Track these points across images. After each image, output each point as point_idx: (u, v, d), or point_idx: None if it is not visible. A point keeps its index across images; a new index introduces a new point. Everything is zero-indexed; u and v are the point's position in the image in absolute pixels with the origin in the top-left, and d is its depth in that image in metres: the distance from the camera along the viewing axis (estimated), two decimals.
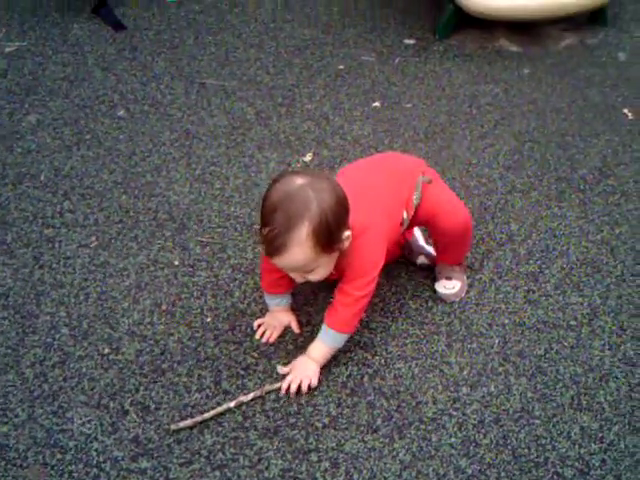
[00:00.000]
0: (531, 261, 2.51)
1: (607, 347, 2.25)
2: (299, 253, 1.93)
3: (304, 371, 2.14)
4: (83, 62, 3.36)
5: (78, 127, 3.02)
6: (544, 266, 2.50)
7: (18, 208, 2.68)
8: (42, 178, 2.79)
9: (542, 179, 2.82)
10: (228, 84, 3.26)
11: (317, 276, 2.05)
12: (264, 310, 2.34)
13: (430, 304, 2.37)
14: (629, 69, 3.39)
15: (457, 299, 2.39)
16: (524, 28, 3.57)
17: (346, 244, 2.03)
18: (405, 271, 2.48)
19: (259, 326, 2.30)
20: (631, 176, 2.83)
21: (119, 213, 2.66)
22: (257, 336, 2.28)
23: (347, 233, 2.01)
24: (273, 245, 1.92)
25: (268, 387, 2.14)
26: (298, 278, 2.07)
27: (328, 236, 1.95)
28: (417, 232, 2.52)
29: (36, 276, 2.44)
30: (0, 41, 3.48)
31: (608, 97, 3.22)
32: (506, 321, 2.32)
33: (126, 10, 3.71)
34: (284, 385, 2.13)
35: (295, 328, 2.30)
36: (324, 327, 2.14)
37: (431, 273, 2.46)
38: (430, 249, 2.48)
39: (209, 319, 2.32)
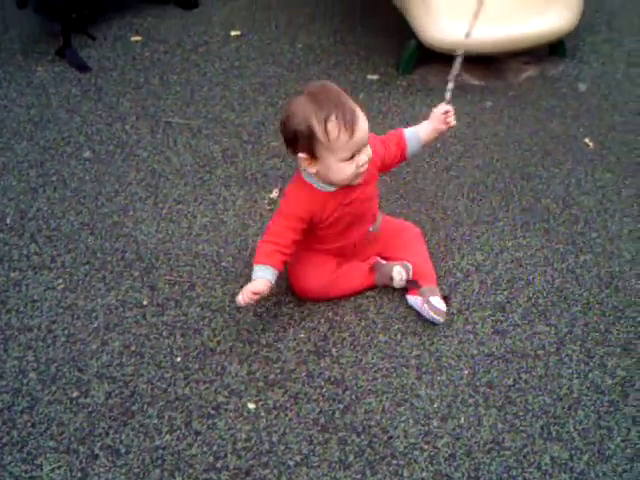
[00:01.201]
0: (498, 291, 2.54)
1: (575, 375, 2.27)
2: (363, 116, 2.20)
3: None
4: (48, 104, 3.36)
5: (44, 169, 3.01)
6: (511, 296, 2.52)
7: None
8: (8, 221, 2.78)
9: (507, 210, 2.85)
10: (194, 123, 3.27)
11: (370, 149, 2.26)
12: (235, 347, 2.34)
13: (399, 337, 2.39)
14: (589, 100, 3.45)
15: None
16: (485, 62, 3.61)
17: None
18: (374, 304, 2.49)
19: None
20: (594, 205, 2.87)
21: (86, 254, 2.66)
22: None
23: None
24: (348, 118, 2.15)
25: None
26: (366, 158, 2.25)
27: None
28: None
29: (3, 320, 2.43)
30: None
31: (569, 127, 3.27)
32: (475, 352, 2.34)
33: (91, 51, 3.72)
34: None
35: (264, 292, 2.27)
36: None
37: (400, 306, 2.47)
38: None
39: (179, 359, 2.32)
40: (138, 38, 3.83)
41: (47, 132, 3.21)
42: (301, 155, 2.23)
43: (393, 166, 2.54)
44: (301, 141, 2.20)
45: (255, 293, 2.25)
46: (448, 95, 2.48)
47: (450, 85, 2.48)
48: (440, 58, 3.55)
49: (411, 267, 2.48)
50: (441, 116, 2.47)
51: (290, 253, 2.34)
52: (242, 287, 2.47)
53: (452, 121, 2.47)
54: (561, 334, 2.40)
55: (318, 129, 2.16)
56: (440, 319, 2.41)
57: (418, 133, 2.49)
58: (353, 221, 2.41)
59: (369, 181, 2.37)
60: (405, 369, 2.29)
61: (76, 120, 3.28)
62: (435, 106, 3.28)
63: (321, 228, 2.38)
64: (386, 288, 2.52)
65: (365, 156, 2.24)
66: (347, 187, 2.31)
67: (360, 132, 2.18)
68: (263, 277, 2.28)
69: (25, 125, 3.24)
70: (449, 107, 2.46)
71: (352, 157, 2.22)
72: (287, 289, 2.52)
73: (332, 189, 2.31)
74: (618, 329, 2.42)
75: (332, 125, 2.15)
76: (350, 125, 2.16)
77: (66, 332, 2.39)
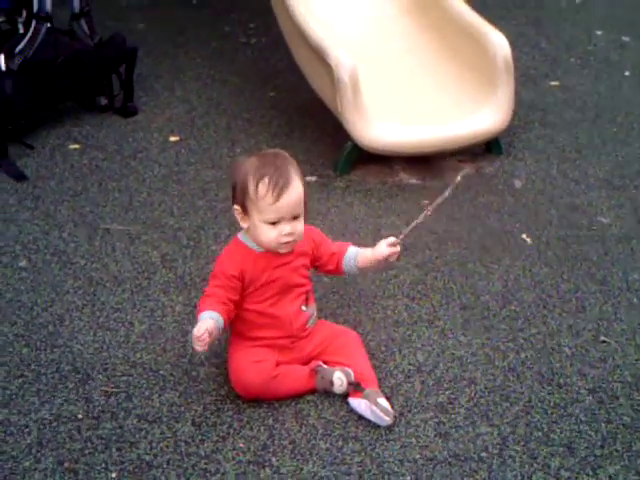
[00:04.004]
0: (440, 391, 2.51)
1: (519, 478, 2.24)
2: (298, 186, 2.34)
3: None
4: None
5: None
6: (453, 396, 2.50)
7: None
8: None
9: (447, 308, 2.85)
10: (132, 229, 3.25)
11: (301, 225, 2.37)
12: (172, 460, 2.27)
13: (340, 443, 2.34)
14: (525, 195, 3.51)
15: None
16: (422, 161, 3.67)
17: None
18: (315, 409, 2.45)
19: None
20: (533, 300, 2.89)
21: (20, 367, 2.59)
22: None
23: None
24: (279, 184, 2.29)
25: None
26: (290, 231, 2.34)
27: (304, 182, 2.40)
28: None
29: None
30: None
31: (506, 224, 3.31)
32: (417, 456, 2.30)
33: (28, 160, 3.71)
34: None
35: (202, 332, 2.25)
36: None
37: (342, 410, 2.44)
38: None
39: (114, 474, 2.24)
40: (76, 146, 3.83)
41: None
42: (235, 207, 2.40)
43: (328, 272, 2.63)
44: (237, 193, 2.37)
45: (201, 336, 2.24)
46: (404, 231, 2.53)
47: (410, 226, 2.54)
48: (378, 159, 3.62)
49: (352, 372, 2.46)
50: (384, 248, 2.51)
51: (229, 309, 2.37)
52: (180, 395, 2.45)
53: (393, 258, 2.52)
54: (504, 434, 2.37)
55: (251, 185, 2.32)
56: (389, 420, 2.38)
57: (357, 255, 2.56)
58: (284, 290, 2.45)
59: (301, 254, 2.47)
60: (347, 477, 2.24)
61: (12, 230, 3.24)
62: (373, 207, 3.34)
63: (252, 292, 2.42)
64: (327, 393, 2.48)
65: (290, 228, 2.34)
66: (277, 252, 2.40)
67: (286, 200, 2.30)
68: (205, 318, 2.30)
69: None
70: (397, 242, 2.51)
71: (276, 223, 2.33)
72: (226, 396, 2.48)
73: (262, 250, 2.40)
74: (561, 427, 2.40)
75: (262, 185, 2.31)
76: (278, 190, 2.29)
77: None
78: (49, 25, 3.81)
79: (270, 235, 2.35)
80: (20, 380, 2.55)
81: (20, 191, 3.50)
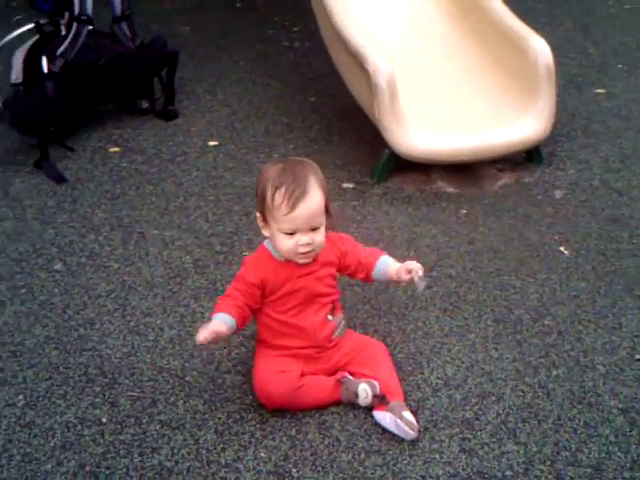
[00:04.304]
0: (467, 407, 2.47)
1: None
2: (316, 197, 2.29)
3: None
4: (22, 216, 3.37)
5: (13, 282, 2.99)
6: (480, 412, 2.45)
7: None
8: None
9: (479, 321, 2.81)
10: (167, 233, 3.26)
11: (320, 237, 2.33)
12: (192, 467, 2.27)
13: (362, 456, 2.31)
14: (565, 206, 3.44)
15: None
16: (461, 169, 3.62)
17: (327, 220, 2.36)
18: (339, 421, 2.42)
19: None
20: (568, 315, 2.83)
21: (49, 369, 2.61)
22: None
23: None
24: (296, 193, 2.25)
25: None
26: (307, 241, 2.30)
27: (325, 191, 2.34)
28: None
29: None
30: None
31: (545, 235, 3.25)
32: (440, 472, 2.26)
33: (69, 162, 3.75)
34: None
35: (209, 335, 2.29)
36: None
37: (366, 423, 2.41)
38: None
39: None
40: (116, 149, 3.86)
41: (19, 244, 3.20)
42: (257, 214, 2.40)
43: (359, 279, 2.59)
44: (258, 201, 2.36)
45: (208, 335, 2.27)
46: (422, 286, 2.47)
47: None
48: (415, 166, 3.58)
49: (377, 385, 2.42)
50: (404, 269, 2.48)
51: (245, 314, 2.39)
52: (205, 402, 2.44)
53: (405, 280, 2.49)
54: (530, 453, 2.32)
55: (268, 193, 2.30)
56: (414, 434, 2.35)
57: (387, 268, 2.52)
58: (308, 300, 2.43)
59: (326, 263, 2.44)
60: None
61: (49, 232, 3.27)
62: (410, 215, 3.30)
63: (275, 300, 2.41)
64: (352, 404, 2.45)
65: (307, 239, 2.31)
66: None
67: (302, 211, 2.27)
68: (219, 320, 2.33)
69: None
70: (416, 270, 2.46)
71: (292, 233, 2.30)
72: (251, 405, 2.47)
73: (284, 259, 2.38)
74: (589, 448, 2.34)
75: (279, 194, 2.28)
76: (294, 200, 2.26)
77: (22, 451, 2.33)
78: (90, 27, 3.84)
79: (287, 245, 2.33)
80: (48, 382, 2.56)
81: (59, 193, 3.53)
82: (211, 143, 3.91)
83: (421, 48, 4.03)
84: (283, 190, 2.27)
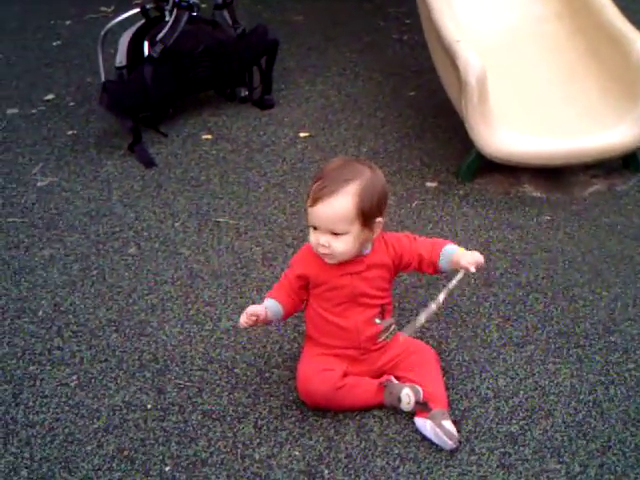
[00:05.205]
0: (513, 421, 2.39)
1: None
2: (343, 203, 2.22)
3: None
4: (108, 198, 3.46)
5: (87, 263, 3.08)
6: (526, 427, 2.37)
7: (10, 343, 2.72)
8: (40, 313, 2.83)
9: (541, 332, 2.71)
10: (242, 223, 3.28)
11: (341, 245, 2.26)
12: (226, 460, 2.28)
13: (397, 463, 2.27)
14: None
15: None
16: (551, 174, 3.50)
17: (376, 231, 2.31)
18: (379, 425, 2.39)
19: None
20: (637, 333, 2.70)
21: (106, 352, 2.67)
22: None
23: (381, 219, 2.30)
24: (323, 190, 2.22)
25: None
26: (323, 243, 2.26)
27: (370, 204, 2.24)
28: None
29: (10, 414, 2.45)
30: (35, 175, 3.62)
31: (627, 247, 3.11)
32: None
33: (162, 147, 3.82)
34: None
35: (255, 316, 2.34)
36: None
37: (406, 429, 2.37)
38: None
39: (167, 468, 2.28)
40: (209, 136, 3.91)
41: (100, 226, 3.28)
42: None
43: (425, 272, 2.52)
44: None
45: (250, 316, 2.33)
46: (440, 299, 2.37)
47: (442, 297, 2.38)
48: (503, 168, 3.48)
49: (421, 391, 2.38)
50: (472, 256, 2.39)
51: (295, 302, 2.44)
52: (249, 396, 2.45)
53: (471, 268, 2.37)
54: (572, 474, 2.23)
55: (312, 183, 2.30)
56: (453, 444, 2.29)
57: (452, 257, 2.41)
58: (352, 299, 2.39)
59: (375, 265, 2.39)
60: None
61: (130, 215, 3.35)
62: (489, 219, 3.21)
63: (319, 294, 2.40)
64: (394, 409, 2.41)
65: (324, 240, 2.27)
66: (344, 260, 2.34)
67: (320, 210, 2.24)
68: (263, 304, 2.38)
69: (81, 218, 3.33)
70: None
71: (316, 229, 2.29)
72: (293, 401, 2.46)
73: None
74: (636, 473, 2.23)
75: (314, 185, 2.28)
76: (318, 195, 2.24)
77: (66, 431, 2.39)
78: (192, 14, 3.89)
79: (311, 239, 2.33)
80: (103, 365, 2.63)
81: (146, 178, 3.60)
82: (302, 134, 3.91)
83: (521, 48, 3.91)
84: (318, 183, 2.26)
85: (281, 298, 2.42)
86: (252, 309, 2.35)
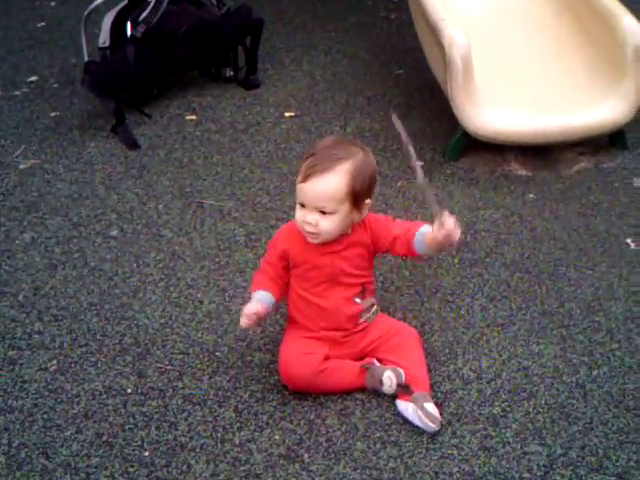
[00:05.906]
0: (496, 403, 2.38)
1: None
2: (334, 181, 2.20)
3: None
4: (90, 180, 3.42)
5: (69, 246, 3.04)
6: (508, 409, 2.36)
7: None
8: (20, 297, 2.81)
9: (525, 312, 2.69)
10: (225, 205, 3.25)
11: (328, 224, 2.25)
12: (206, 445, 2.26)
13: (378, 446, 2.26)
14: None
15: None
16: (538, 152, 3.47)
17: (364, 213, 2.31)
18: (360, 409, 2.37)
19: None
20: (621, 312, 2.68)
21: (86, 336, 2.65)
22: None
23: (369, 201, 2.30)
24: (315, 167, 2.21)
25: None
26: (310, 221, 2.24)
27: (361, 185, 2.23)
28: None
29: None
30: (17, 158, 3.58)
31: (612, 225, 3.08)
32: (454, 469, 2.18)
33: (146, 128, 3.78)
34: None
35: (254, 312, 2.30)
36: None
37: (388, 412, 2.35)
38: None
39: (147, 453, 2.26)
40: (193, 117, 3.87)
41: (82, 209, 3.25)
42: None
43: (403, 255, 2.47)
44: None
45: (250, 315, 2.30)
46: (419, 175, 2.28)
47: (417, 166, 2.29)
48: (490, 147, 3.45)
49: (403, 373, 2.36)
50: (439, 224, 2.23)
51: (281, 286, 2.42)
52: (230, 380, 2.43)
53: (451, 237, 2.22)
54: (554, 456, 2.21)
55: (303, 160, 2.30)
56: (435, 427, 2.28)
57: (424, 235, 2.33)
58: (332, 279, 2.37)
59: (354, 244, 2.36)
60: None
61: (112, 197, 3.31)
62: (474, 198, 3.17)
63: (300, 274, 2.39)
64: (376, 392, 2.39)
65: (311, 219, 2.25)
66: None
67: (311, 186, 2.22)
68: (256, 300, 2.34)
69: (63, 201, 3.30)
70: (443, 213, 2.23)
71: (303, 206, 2.26)
72: (274, 385, 2.44)
73: None
74: (617, 455, 2.21)
75: (305, 161, 2.27)
76: (309, 172, 2.22)
77: (45, 416, 2.37)
78: None
79: (297, 216, 2.30)
80: (83, 349, 2.60)
81: (129, 159, 3.57)
82: (287, 114, 3.87)
83: (508, 25, 3.87)
84: (310, 159, 2.25)
85: (268, 286, 2.40)
86: (251, 309, 2.31)
